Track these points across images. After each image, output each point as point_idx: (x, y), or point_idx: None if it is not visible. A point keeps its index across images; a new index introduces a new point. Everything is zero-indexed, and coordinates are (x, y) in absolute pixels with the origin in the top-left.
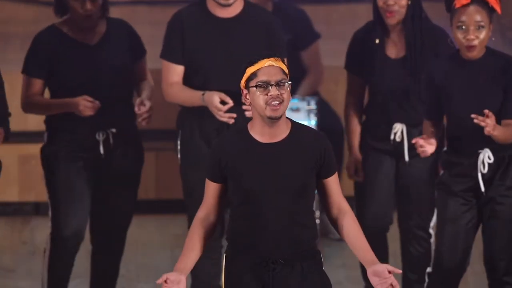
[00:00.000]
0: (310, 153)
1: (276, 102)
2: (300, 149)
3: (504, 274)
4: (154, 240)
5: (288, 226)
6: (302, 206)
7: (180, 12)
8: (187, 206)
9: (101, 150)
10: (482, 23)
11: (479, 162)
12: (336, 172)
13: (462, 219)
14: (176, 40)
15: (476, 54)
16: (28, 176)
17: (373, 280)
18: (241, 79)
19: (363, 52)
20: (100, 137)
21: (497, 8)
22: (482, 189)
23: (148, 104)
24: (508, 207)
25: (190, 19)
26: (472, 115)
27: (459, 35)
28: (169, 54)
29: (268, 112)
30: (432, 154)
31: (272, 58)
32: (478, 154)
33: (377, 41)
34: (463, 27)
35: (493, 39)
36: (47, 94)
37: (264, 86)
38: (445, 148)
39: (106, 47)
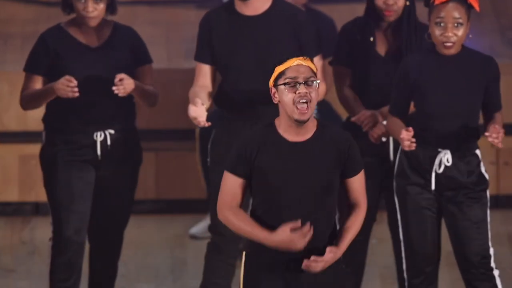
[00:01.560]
0: (335, 152)
1: (303, 101)
2: (325, 148)
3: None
4: (154, 240)
5: (310, 224)
6: (325, 205)
7: (209, 13)
8: (209, 205)
9: (98, 151)
10: (460, 20)
11: (437, 161)
12: (362, 171)
13: (423, 206)
14: (204, 41)
15: (453, 51)
16: (28, 176)
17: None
18: (270, 77)
19: (351, 46)
20: (97, 137)
21: (476, 6)
22: (433, 187)
23: (124, 76)
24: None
25: (217, 19)
26: (486, 134)
27: (437, 32)
28: (199, 55)
29: (296, 115)
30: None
31: (300, 58)
32: (438, 152)
33: (371, 39)
34: (441, 24)
35: (470, 36)
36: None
37: (292, 83)
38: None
39: (108, 50)
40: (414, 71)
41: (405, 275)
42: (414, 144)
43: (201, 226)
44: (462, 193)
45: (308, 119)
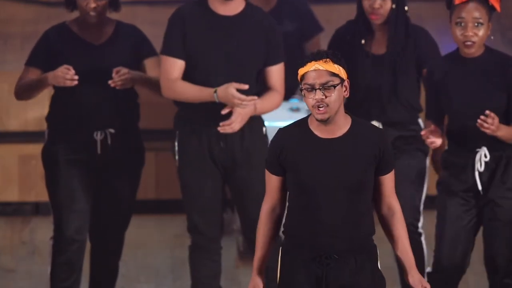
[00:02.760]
0: (369, 149)
1: (321, 105)
2: (359, 145)
3: (504, 276)
4: (154, 240)
5: (344, 221)
6: (359, 202)
7: (181, 8)
8: (185, 206)
9: (98, 150)
10: (480, 20)
11: (476, 160)
12: (393, 171)
13: (462, 220)
14: (177, 36)
15: (474, 51)
16: (28, 176)
17: (411, 283)
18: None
19: (344, 48)
20: (98, 136)
21: (497, 6)
22: (479, 187)
23: (121, 68)
24: (508, 209)
25: (191, 16)
26: (478, 121)
27: (458, 32)
28: (170, 49)
29: (315, 115)
30: (420, 154)
31: (320, 61)
32: (476, 153)
33: (362, 41)
34: (462, 23)
35: (492, 37)
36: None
37: (310, 89)
38: (446, 147)
39: (110, 48)
40: (438, 75)
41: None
42: (435, 141)
43: None
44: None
45: (329, 118)
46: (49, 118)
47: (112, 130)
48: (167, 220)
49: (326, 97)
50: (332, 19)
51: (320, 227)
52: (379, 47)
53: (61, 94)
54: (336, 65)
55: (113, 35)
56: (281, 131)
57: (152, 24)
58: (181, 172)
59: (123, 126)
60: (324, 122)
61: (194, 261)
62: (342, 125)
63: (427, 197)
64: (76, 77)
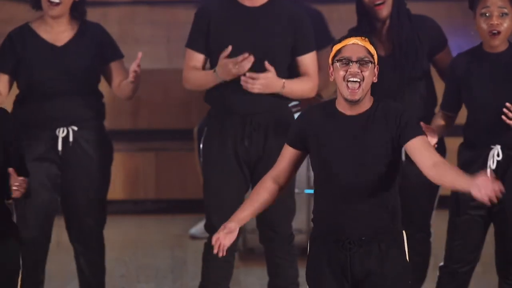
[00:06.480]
0: (390, 124)
1: (354, 79)
2: (380, 122)
3: None
4: (154, 240)
5: (368, 204)
6: (384, 184)
7: (207, 3)
8: (204, 204)
9: (59, 147)
10: (505, 10)
11: (490, 157)
12: (423, 136)
13: (473, 214)
14: (199, 30)
15: (499, 43)
16: None
17: (477, 195)
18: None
19: None
20: (59, 133)
21: None
22: None
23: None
24: None
25: (216, 8)
26: (504, 110)
27: (483, 23)
28: (190, 42)
29: (346, 95)
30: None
31: (359, 38)
32: (490, 149)
33: None
34: (487, 14)
35: None
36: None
37: (345, 61)
38: (461, 141)
39: (73, 49)
40: (460, 70)
41: (437, 272)
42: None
43: (201, 226)
44: None
45: (360, 100)
46: (13, 112)
47: (74, 128)
48: (167, 220)
49: (361, 71)
50: (332, 19)
51: (343, 209)
52: (385, 48)
53: (25, 94)
54: (372, 47)
55: (76, 36)
56: (308, 108)
57: (153, 24)
58: (204, 170)
59: (87, 124)
60: (353, 103)
61: (207, 259)
62: (365, 105)
63: (440, 197)
64: None
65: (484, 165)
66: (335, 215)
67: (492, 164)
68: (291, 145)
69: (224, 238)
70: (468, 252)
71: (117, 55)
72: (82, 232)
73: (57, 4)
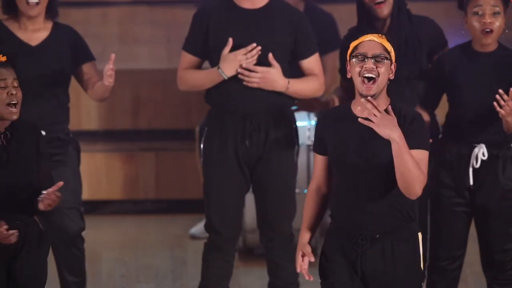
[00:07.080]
0: (400, 126)
1: (370, 75)
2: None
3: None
4: (154, 240)
5: (382, 203)
6: (389, 183)
7: (205, 5)
8: (204, 204)
9: None
10: (497, 9)
11: (473, 156)
12: (421, 151)
13: (456, 210)
14: (198, 32)
15: (490, 42)
16: None
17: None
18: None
19: None
20: None
21: None
22: (471, 182)
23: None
24: (501, 208)
25: (215, 10)
26: (497, 96)
27: (475, 22)
28: (187, 44)
29: (362, 90)
30: None
31: (376, 34)
32: (473, 147)
33: None
34: (480, 12)
35: (506, 31)
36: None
37: (361, 57)
38: (440, 136)
39: (46, 50)
40: (448, 67)
41: (426, 272)
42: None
43: (201, 226)
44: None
45: (375, 95)
46: None
47: (43, 132)
48: (167, 220)
49: (376, 67)
50: (331, 15)
51: (357, 207)
52: None
53: None
54: (389, 44)
55: (49, 37)
56: (323, 112)
57: (153, 24)
58: (204, 170)
59: (52, 128)
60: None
61: (207, 260)
62: (383, 104)
63: None
64: None
65: (467, 163)
66: (350, 212)
67: (475, 163)
68: (318, 152)
69: (302, 263)
70: (456, 249)
71: (89, 57)
72: (58, 238)
73: (37, 3)
